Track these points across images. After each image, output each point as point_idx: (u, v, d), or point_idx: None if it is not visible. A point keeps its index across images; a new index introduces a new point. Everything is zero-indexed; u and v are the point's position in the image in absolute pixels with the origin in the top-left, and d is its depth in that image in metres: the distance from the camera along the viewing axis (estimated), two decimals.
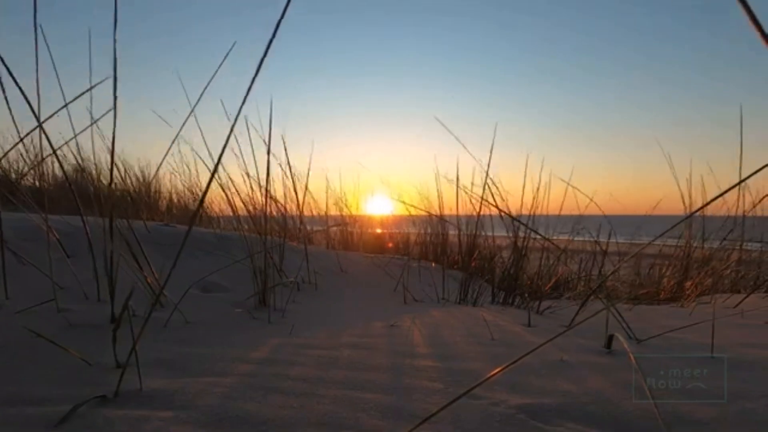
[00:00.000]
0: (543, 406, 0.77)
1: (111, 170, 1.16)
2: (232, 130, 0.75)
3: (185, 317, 1.30)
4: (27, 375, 0.83)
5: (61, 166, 1.30)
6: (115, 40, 0.95)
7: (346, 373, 0.92)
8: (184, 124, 1.19)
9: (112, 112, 1.09)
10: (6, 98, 1.11)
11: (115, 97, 0.99)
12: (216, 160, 0.76)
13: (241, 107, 0.71)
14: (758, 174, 0.48)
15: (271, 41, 0.65)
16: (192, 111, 1.20)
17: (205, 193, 0.85)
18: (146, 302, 1.30)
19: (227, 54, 1.04)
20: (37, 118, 1.10)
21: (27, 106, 1.08)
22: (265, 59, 0.66)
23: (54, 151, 1.16)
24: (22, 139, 1.19)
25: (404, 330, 1.31)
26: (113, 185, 1.20)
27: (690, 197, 2.69)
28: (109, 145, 1.36)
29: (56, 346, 0.90)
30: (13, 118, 1.19)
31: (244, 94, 0.70)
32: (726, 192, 0.58)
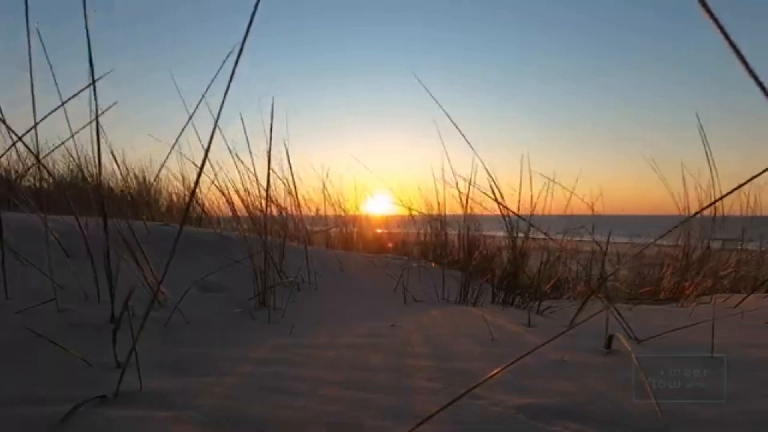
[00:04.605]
0: (543, 406, 0.77)
1: (98, 165, 1.16)
2: (215, 126, 0.75)
3: (185, 317, 1.30)
4: (27, 375, 0.83)
5: (49, 173, 1.29)
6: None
7: (346, 373, 0.92)
8: (184, 128, 1.19)
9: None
10: None
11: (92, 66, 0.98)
12: (204, 154, 0.75)
13: (220, 111, 0.72)
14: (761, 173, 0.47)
15: (244, 41, 0.65)
16: (191, 117, 1.19)
17: (194, 188, 0.85)
18: (146, 302, 1.29)
19: (226, 58, 1.03)
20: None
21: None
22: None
23: (39, 161, 1.16)
24: (17, 140, 1.19)
25: (404, 330, 1.31)
26: (108, 184, 1.20)
27: (686, 199, 2.70)
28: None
29: (56, 346, 0.90)
30: (4, 119, 1.18)
31: (223, 94, 0.71)
32: (721, 198, 0.58)
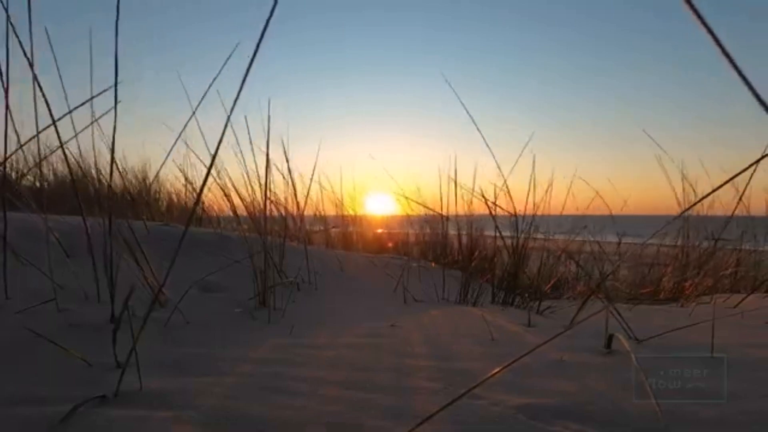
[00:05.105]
0: (543, 406, 0.77)
1: (111, 169, 1.16)
2: (225, 129, 0.75)
3: (185, 317, 1.30)
4: (27, 375, 0.83)
5: (67, 162, 1.29)
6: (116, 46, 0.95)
7: (346, 373, 0.92)
8: (185, 127, 1.19)
9: (112, 112, 1.09)
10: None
11: (116, 101, 1.00)
12: (212, 156, 0.75)
13: (232, 109, 0.71)
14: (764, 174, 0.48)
15: (258, 43, 0.65)
16: (193, 114, 1.19)
17: (201, 190, 0.85)
18: (146, 302, 1.30)
19: (229, 56, 1.04)
20: (52, 117, 1.10)
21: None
22: (257, 57, 0.66)
23: (62, 145, 1.16)
24: (25, 142, 1.19)
25: (404, 330, 1.31)
26: (113, 185, 1.20)
27: (684, 197, 2.70)
28: (110, 145, 1.36)
29: (56, 346, 0.90)
30: (12, 119, 1.19)
31: (235, 97, 0.71)
32: (714, 191, 0.58)
